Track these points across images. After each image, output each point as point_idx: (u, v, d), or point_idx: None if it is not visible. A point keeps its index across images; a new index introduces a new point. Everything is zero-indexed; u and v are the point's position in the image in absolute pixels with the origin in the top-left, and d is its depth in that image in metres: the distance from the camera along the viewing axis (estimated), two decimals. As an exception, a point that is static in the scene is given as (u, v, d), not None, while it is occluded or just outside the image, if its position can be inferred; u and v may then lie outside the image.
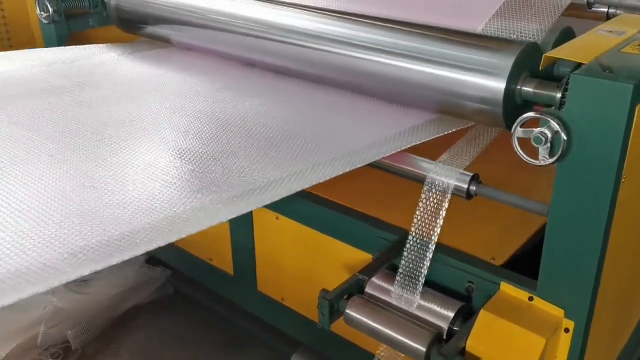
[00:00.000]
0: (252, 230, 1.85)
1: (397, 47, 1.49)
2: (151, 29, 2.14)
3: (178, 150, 1.37)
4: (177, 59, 2.07)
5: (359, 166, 1.29)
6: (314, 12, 1.72)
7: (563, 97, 1.24)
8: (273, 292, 1.92)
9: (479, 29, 1.49)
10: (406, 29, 1.52)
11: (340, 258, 1.63)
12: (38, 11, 2.17)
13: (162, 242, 1.00)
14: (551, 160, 1.10)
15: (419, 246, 1.37)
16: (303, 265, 1.77)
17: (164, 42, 2.16)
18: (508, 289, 1.30)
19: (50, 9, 2.13)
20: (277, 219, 1.75)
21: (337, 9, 1.74)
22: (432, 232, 1.35)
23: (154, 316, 2.40)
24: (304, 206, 1.65)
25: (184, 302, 2.46)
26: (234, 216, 1.10)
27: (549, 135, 1.09)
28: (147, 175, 1.24)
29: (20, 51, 2.03)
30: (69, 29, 2.25)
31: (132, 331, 2.34)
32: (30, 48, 2.15)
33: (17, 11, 2.63)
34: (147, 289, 2.44)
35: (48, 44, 2.26)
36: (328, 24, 1.65)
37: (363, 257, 1.56)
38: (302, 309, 1.84)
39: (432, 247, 1.35)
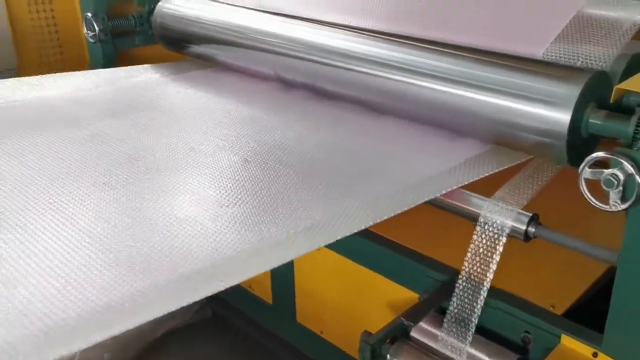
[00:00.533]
0: (292, 260, 1.78)
1: (451, 73, 1.39)
2: (195, 48, 2.10)
3: (214, 189, 1.28)
4: (219, 81, 2.02)
5: (406, 208, 1.19)
6: (363, 34, 1.64)
7: (636, 131, 1.12)
8: (312, 323, 1.84)
9: (539, 53, 1.38)
10: (460, 53, 1.42)
11: (383, 294, 1.53)
12: (85, 30, 2.16)
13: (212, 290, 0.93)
14: (623, 206, 0.99)
15: (470, 288, 1.26)
16: (344, 299, 1.68)
17: (209, 61, 2.12)
18: (569, 342, 1.18)
19: (97, 28, 2.12)
20: (317, 249, 1.66)
21: (387, 30, 1.66)
22: (484, 274, 1.24)
23: (191, 340, 2.34)
24: (345, 238, 1.56)
25: (222, 326, 2.40)
26: (275, 265, 1.02)
27: (622, 177, 0.97)
28: (177, 220, 1.15)
29: (54, 75, 2.00)
30: (114, 47, 2.23)
31: (170, 354, 2.29)
32: (81, 66, 2.15)
33: (70, 30, 2.65)
34: (185, 312, 2.39)
35: (94, 62, 2.26)
36: (378, 47, 1.57)
37: (408, 295, 1.46)
38: (341, 343, 1.75)
39: (485, 290, 1.24)
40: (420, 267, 1.42)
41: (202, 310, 2.43)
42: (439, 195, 1.26)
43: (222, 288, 0.93)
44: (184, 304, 0.89)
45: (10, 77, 1.99)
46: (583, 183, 1.04)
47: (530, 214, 1.19)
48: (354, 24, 1.76)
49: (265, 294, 1.98)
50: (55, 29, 2.97)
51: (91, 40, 2.17)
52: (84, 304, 0.88)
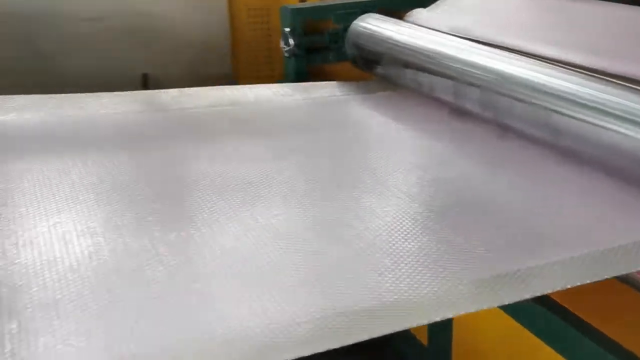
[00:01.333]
0: (451, 306, 1.64)
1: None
2: (383, 69, 2.05)
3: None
4: (401, 106, 1.94)
5: (596, 279, 1.01)
6: (568, 68, 1.46)
7: None
8: (467, 377, 1.69)
9: None
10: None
11: (549, 368, 1.33)
12: (282, 44, 2.22)
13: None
14: None
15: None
16: (504, 361, 1.51)
17: (395, 84, 2.06)
18: None
19: (292, 43, 2.17)
20: (480, 302, 1.51)
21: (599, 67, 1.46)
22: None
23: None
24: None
25: (376, 353, 2.33)
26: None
27: None
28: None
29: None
30: (307, 62, 2.26)
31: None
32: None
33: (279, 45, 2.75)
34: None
35: (287, 76, 2.31)
36: (588, 86, 1.38)
37: (578, 376, 1.25)
38: (497, 408, 1.57)
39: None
40: (594, 347, 1.20)
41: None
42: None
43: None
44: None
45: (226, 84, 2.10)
46: None
47: None
48: (559, 56, 1.59)
49: (421, 334, 1.86)
50: (269, 44, 3.11)
51: (286, 54, 2.22)
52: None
